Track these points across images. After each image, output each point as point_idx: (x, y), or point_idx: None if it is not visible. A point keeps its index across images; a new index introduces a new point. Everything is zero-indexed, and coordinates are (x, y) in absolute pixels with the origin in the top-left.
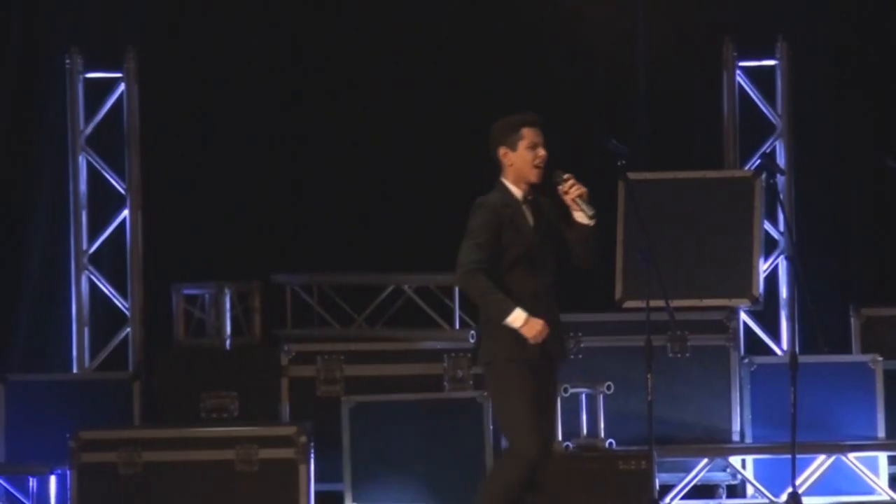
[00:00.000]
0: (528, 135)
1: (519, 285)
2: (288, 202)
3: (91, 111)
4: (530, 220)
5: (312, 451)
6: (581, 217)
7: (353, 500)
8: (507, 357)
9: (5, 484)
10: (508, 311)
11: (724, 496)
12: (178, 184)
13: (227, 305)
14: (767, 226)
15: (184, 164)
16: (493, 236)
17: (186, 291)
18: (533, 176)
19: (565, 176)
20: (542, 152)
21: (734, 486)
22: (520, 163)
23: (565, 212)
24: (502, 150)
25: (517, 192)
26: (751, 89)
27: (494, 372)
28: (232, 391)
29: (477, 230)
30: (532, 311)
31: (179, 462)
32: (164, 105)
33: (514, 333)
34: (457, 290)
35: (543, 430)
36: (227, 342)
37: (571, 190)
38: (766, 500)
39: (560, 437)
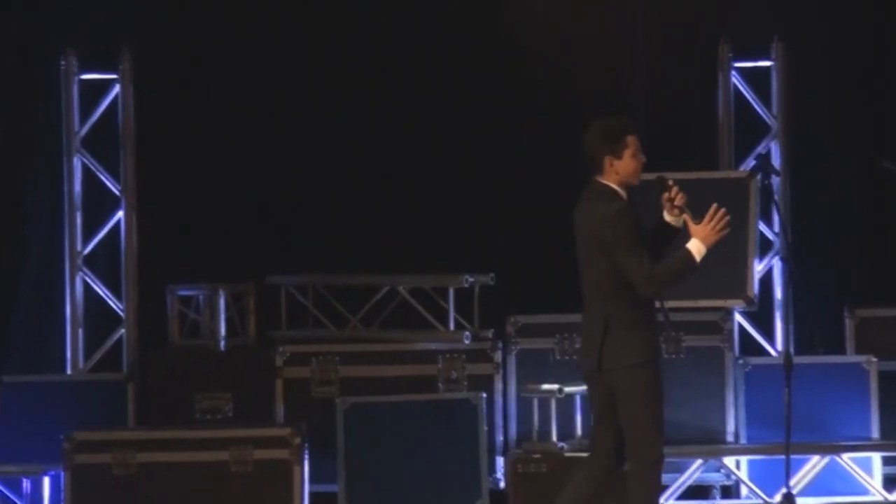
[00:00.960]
0: (633, 142)
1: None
2: (282, 204)
3: (86, 113)
4: None
5: (307, 452)
6: (674, 220)
7: (348, 502)
8: (650, 358)
9: None
10: (688, 253)
11: (718, 497)
12: (172, 185)
13: (222, 307)
14: (762, 227)
15: (179, 166)
16: (639, 236)
17: (181, 293)
18: (636, 181)
19: (670, 182)
20: (643, 158)
21: (728, 486)
22: (625, 170)
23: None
24: (608, 159)
25: (624, 195)
26: (746, 90)
27: (641, 374)
28: (226, 392)
29: (630, 239)
30: (647, 300)
31: (174, 463)
32: (159, 106)
33: (648, 335)
34: (451, 291)
35: None
36: (222, 343)
37: (678, 197)
38: (761, 501)
39: (555, 438)
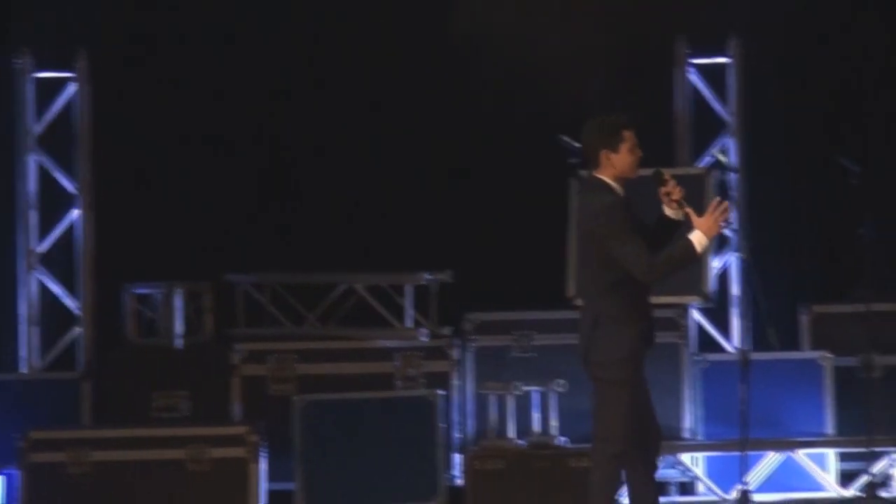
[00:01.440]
0: (630, 137)
1: (634, 277)
2: (240, 202)
3: (41, 111)
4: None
5: (264, 450)
6: (674, 213)
7: (305, 499)
8: (633, 355)
9: None
10: (689, 243)
11: (675, 493)
12: (129, 184)
13: (179, 305)
14: None
15: (135, 165)
16: (633, 227)
17: (137, 291)
18: (633, 175)
19: (666, 177)
20: (640, 153)
21: (685, 483)
22: (621, 165)
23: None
24: (604, 153)
25: (619, 189)
26: (703, 86)
27: (621, 369)
28: (183, 390)
29: (622, 230)
30: (646, 301)
31: (130, 462)
32: (116, 105)
33: (637, 332)
34: (409, 288)
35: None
36: (179, 342)
37: (675, 191)
38: (717, 498)
39: (512, 435)
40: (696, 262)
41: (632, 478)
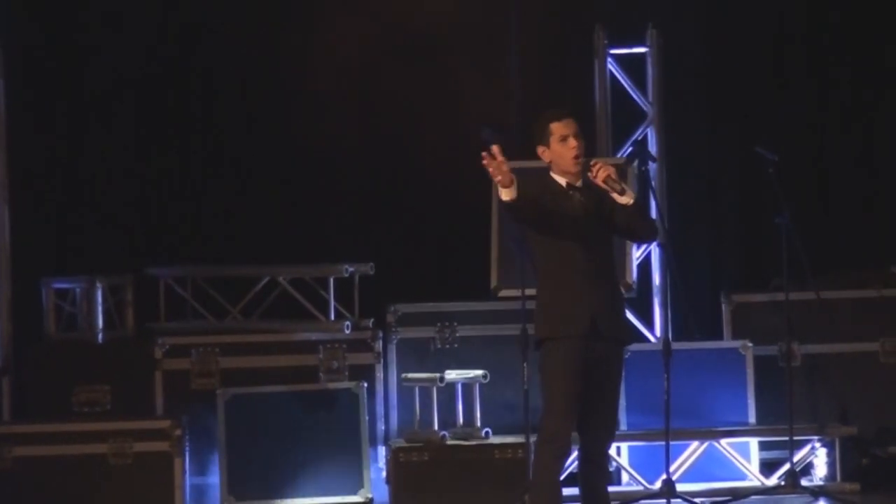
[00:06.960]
0: (557, 129)
1: (568, 262)
2: (161, 195)
3: None
4: (577, 202)
5: (188, 444)
6: (618, 197)
7: (230, 493)
8: (549, 335)
9: None
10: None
11: None
12: (47, 177)
13: (99, 299)
14: None
15: (53, 157)
16: (529, 190)
17: (56, 285)
18: (571, 167)
19: (592, 163)
20: (572, 143)
21: (609, 473)
22: (556, 157)
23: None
24: (541, 149)
25: (562, 180)
26: (622, 77)
27: (544, 352)
28: (105, 385)
29: None
30: (581, 287)
31: (51, 457)
32: (32, 98)
33: (555, 313)
34: (331, 280)
35: (574, 414)
36: (100, 336)
37: (599, 174)
38: (641, 487)
39: (436, 426)
40: (505, 207)
41: (580, 466)
